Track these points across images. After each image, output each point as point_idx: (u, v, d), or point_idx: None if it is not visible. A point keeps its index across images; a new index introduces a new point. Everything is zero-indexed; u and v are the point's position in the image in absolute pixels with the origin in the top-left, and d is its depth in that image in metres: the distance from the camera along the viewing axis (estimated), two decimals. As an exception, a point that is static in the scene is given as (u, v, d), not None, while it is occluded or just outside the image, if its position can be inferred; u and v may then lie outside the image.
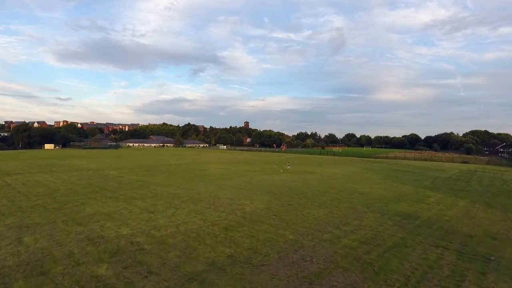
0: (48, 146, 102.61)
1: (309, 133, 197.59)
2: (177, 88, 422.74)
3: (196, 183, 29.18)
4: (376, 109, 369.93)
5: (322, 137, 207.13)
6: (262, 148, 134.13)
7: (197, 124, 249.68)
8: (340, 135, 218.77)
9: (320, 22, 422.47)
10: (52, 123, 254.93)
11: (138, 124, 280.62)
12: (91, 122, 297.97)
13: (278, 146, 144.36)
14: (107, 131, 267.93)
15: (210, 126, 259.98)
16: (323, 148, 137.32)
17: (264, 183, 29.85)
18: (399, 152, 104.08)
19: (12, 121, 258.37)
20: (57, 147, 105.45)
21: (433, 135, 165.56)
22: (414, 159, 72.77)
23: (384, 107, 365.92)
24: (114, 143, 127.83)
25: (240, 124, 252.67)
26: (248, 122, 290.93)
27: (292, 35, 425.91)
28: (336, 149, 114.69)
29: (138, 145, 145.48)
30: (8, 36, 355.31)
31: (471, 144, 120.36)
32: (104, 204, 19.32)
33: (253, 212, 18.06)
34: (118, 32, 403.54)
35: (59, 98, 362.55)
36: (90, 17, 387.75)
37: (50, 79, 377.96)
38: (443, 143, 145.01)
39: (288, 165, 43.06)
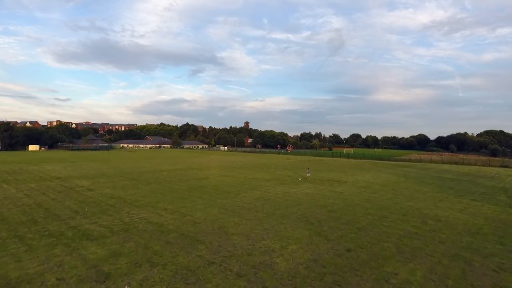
0: (33, 147, 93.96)
1: (313, 133, 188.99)
2: (176, 89, 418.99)
3: (192, 201, 20.70)
4: (375, 109, 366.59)
5: (327, 137, 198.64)
6: (266, 150, 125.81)
7: (196, 124, 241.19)
8: (341, 135, 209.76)
9: (319, 23, 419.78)
10: (46, 123, 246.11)
11: (136, 124, 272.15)
12: (86, 122, 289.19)
13: (283, 147, 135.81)
14: (102, 132, 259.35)
15: (210, 127, 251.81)
16: (330, 149, 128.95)
17: (286, 201, 21.38)
18: (414, 154, 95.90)
19: (4, 120, 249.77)
20: (42, 148, 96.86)
21: (444, 135, 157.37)
22: (444, 162, 64.33)
23: (383, 108, 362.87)
24: (107, 144, 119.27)
25: (239, 124, 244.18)
26: (248, 122, 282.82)
27: (291, 36, 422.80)
28: (347, 150, 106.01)
29: (133, 146, 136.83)
30: (7, 37, 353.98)
31: (496, 145, 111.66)
32: (15, 258, 10.78)
33: (294, 276, 9.60)
34: (117, 33, 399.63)
35: (58, 99, 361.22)
36: (89, 17, 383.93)
37: (49, 80, 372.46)
38: (458, 143, 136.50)
39: (308, 172, 34.68)
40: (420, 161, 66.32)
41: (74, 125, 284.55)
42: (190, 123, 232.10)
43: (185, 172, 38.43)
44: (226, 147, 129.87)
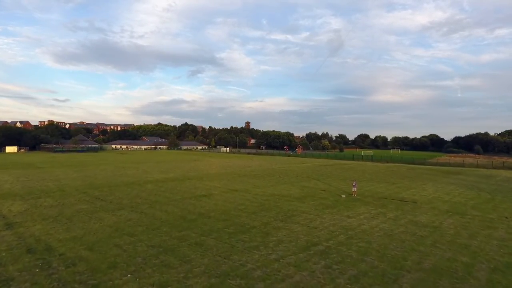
0: (10, 148, 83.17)
1: (319, 133, 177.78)
2: (175, 90, 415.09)
3: (184, 259, 10.14)
4: (374, 110, 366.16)
5: (332, 138, 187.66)
6: (274, 151, 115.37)
7: (195, 124, 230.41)
8: (345, 135, 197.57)
9: (317, 24, 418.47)
10: (37, 123, 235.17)
11: (133, 124, 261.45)
12: (80, 122, 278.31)
13: (291, 148, 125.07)
14: (97, 132, 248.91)
15: (210, 127, 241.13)
16: (341, 150, 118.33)
17: (360, 252, 10.82)
18: (443, 156, 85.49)
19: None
20: (22, 150, 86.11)
21: (462, 135, 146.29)
22: (495, 167, 53.46)
23: (382, 109, 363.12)
24: (96, 145, 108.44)
25: (239, 125, 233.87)
26: (249, 123, 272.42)
27: (290, 37, 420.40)
28: (365, 151, 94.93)
29: (126, 147, 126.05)
30: (6, 38, 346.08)
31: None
32: None
33: None
34: (116, 34, 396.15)
35: (56, 100, 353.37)
36: (88, 18, 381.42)
37: (48, 81, 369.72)
38: (481, 144, 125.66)
39: (354, 185, 24.27)
40: (463, 165, 55.73)
41: (68, 125, 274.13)
42: (189, 123, 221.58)
43: (179, 185, 27.86)
44: (227, 149, 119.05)
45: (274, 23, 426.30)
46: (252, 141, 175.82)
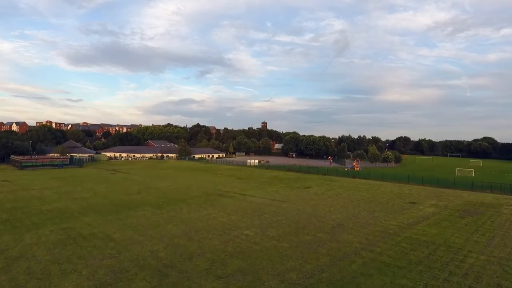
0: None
1: (361, 136, 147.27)
2: (184, 90, 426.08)
3: None
4: (383, 109, 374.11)
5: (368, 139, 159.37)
6: (311, 161, 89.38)
7: (207, 125, 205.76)
8: (352, 135, 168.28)
9: (321, 26, 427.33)
10: (34, 124, 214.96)
11: (140, 125, 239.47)
12: (83, 122, 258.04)
13: (338, 159, 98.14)
14: (99, 134, 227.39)
15: (225, 128, 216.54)
16: (397, 160, 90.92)
17: None
18: None
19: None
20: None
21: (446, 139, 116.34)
22: None
23: (391, 108, 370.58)
24: (85, 156, 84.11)
25: (249, 125, 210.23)
26: (266, 123, 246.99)
27: (295, 38, 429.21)
28: (471, 162, 66.76)
29: (127, 155, 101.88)
30: (23, 41, 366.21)
31: None
32: None
33: None
34: (127, 36, 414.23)
35: (70, 100, 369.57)
36: (100, 22, 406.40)
37: (62, 81, 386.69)
38: None
39: None
40: None
41: (70, 126, 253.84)
42: (200, 123, 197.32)
43: None
44: (255, 160, 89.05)
45: (278, 25, 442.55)
46: (276, 145, 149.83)
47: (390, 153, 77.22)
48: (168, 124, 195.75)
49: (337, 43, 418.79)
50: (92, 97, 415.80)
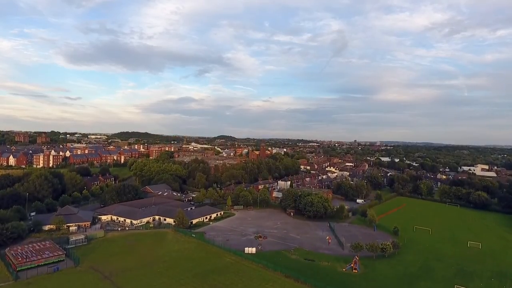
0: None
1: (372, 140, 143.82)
2: (183, 89, 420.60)
3: None
4: (381, 109, 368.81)
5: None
6: (308, 220, 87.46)
7: (206, 127, 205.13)
8: (349, 136, 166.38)
9: (318, 26, 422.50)
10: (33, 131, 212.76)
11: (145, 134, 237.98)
12: (76, 152, 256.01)
13: (327, 237, 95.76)
14: (98, 164, 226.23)
15: (223, 163, 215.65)
16: (397, 245, 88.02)
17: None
18: None
19: None
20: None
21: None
22: None
23: (389, 107, 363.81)
24: (84, 235, 79.49)
25: (248, 124, 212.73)
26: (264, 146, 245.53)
27: (293, 38, 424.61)
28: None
29: (124, 220, 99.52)
30: (22, 39, 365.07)
31: None
32: None
33: None
34: (126, 35, 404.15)
35: (69, 98, 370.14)
36: (99, 21, 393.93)
37: (61, 80, 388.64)
38: None
39: None
40: None
41: (69, 154, 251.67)
42: (198, 123, 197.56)
43: None
44: (252, 248, 75.28)
45: (277, 25, 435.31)
46: (275, 193, 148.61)
47: (389, 243, 76.78)
48: (171, 163, 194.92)
49: (335, 43, 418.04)
50: (91, 96, 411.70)
